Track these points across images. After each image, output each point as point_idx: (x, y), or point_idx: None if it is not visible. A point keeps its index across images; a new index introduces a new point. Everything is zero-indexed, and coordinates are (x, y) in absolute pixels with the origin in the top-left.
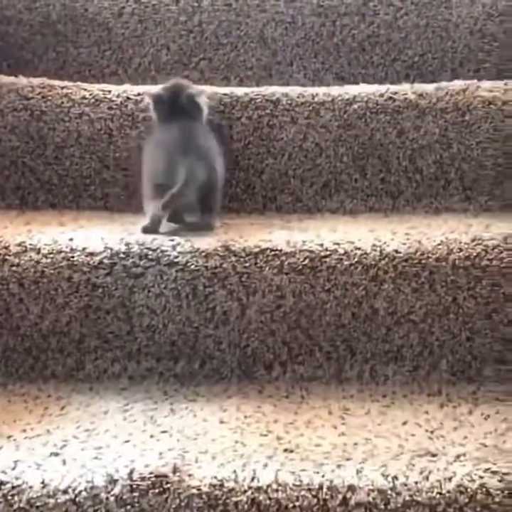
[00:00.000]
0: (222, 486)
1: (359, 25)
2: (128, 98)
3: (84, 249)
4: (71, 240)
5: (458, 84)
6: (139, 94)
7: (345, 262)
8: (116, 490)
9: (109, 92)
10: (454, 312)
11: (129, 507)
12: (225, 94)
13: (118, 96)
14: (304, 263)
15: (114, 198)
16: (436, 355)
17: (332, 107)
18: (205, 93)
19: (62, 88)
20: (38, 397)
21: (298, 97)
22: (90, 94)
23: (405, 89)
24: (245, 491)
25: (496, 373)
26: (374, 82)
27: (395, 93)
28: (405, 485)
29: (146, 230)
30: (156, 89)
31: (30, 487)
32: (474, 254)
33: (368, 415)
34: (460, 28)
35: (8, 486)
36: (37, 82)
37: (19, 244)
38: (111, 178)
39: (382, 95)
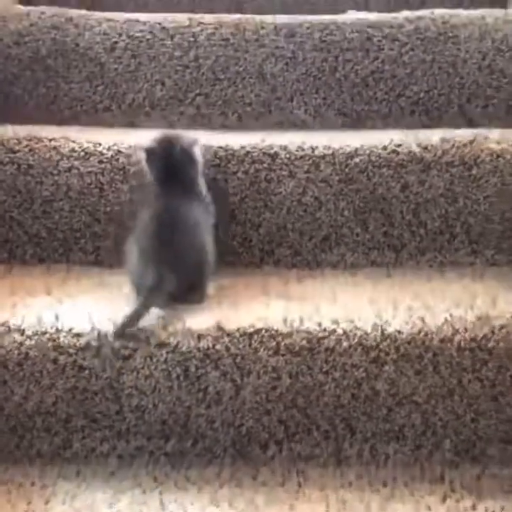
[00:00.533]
0: None
1: (363, 61)
2: (119, 151)
3: (70, 330)
4: (57, 318)
5: (465, 135)
6: (129, 147)
7: (345, 343)
8: None
9: (99, 144)
10: (459, 394)
11: None
12: (220, 148)
13: (108, 149)
14: (301, 344)
15: (106, 251)
16: (439, 435)
17: (332, 160)
18: (199, 142)
19: (50, 140)
20: (21, 486)
21: (297, 151)
22: (79, 147)
23: (409, 142)
24: None
25: (501, 453)
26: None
27: (399, 146)
28: None
29: (116, 335)
30: (148, 142)
31: None
32: (480, 335)
33: (367, 509)
34: (468, 64)
35: None
36: (23, 134)
37: (3, 324)
38: (102, 232)
39: (385, 148)
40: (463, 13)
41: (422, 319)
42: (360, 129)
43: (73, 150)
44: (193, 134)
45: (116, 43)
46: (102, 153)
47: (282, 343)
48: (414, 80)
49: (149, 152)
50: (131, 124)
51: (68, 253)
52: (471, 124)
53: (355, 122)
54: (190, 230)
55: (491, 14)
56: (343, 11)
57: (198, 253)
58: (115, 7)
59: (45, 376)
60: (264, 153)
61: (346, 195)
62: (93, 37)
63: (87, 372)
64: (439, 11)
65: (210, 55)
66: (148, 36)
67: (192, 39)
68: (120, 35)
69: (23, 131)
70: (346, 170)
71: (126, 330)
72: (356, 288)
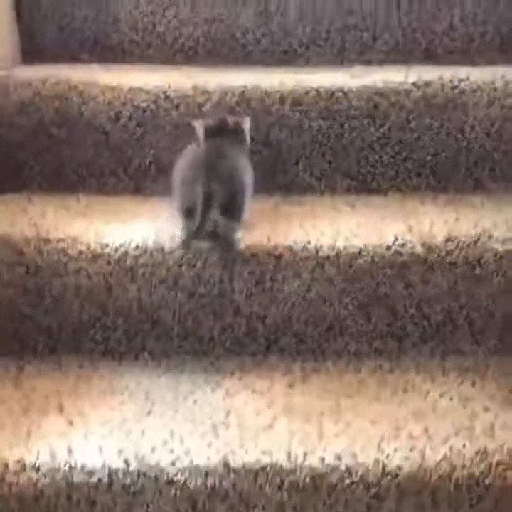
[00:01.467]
0: None
1: (369, 128)
2: (127, 253)
3: (82, 467)
4: (69, 452)
5: (469, 235)
6: (137, 248)
7: (347, 480)
8: None
9: (107, 245)
10: None
11: None
12: None
13: (116, 250)
14: (304, 481)
15: (115, 342)
16: None
17: (336, 261)
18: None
19: (58, 242)
20: None
21: (301, 251)
22: (87, 249)
23: (414, 243)
24: None
25: None
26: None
27: (402, 246)
28: None
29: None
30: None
31: None
32: (477, 473)
33: None
34: (476, 130)
35: None
36: (31, 234)
37: (18, 461)
38: (111, 324)
39: (389, 248)
40: (472, 75)
41: (422, 454)
42: (365, 192)
43: (81, 252)
44: None
45: (120, 112)
46: (109, 255)
47: (286, 480)
48: (421, 144)
49: (207, 129)
50: (138, 189)
51: (79, 343)
52: (478, 185)
53: (361, 185)
54: (235, 163)
55: (501, 77)
56: (351, 66)
57: (239, 182)
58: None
59: (59, 510)
60: (269, 255)
61: (350, 292)
62: (97, 106)
63: (99, 506)
64: (447, 75)
65: None
66: (153, 106)
67: (196, 110)
68: (124, 104)
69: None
70: (350, 271)
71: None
72: (359, 393)
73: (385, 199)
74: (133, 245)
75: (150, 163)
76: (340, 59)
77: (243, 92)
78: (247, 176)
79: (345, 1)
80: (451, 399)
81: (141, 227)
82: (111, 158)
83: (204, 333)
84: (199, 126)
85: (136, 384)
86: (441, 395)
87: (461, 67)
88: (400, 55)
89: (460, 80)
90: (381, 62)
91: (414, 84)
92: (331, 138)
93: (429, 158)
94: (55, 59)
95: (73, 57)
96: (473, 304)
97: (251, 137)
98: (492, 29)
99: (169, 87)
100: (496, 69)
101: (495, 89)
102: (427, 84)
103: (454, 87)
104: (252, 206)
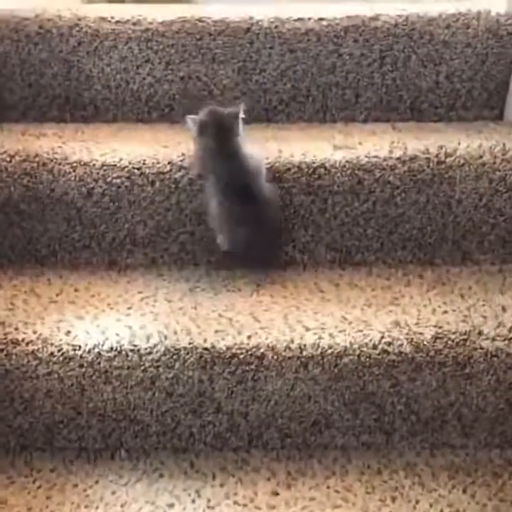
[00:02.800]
0: None
1: (353, 203)
2: (100, 354)
3: None
4: None
5: (458, 331)
6: (111, 349)
7: None
8: None
9: (79, 347)
10: None
11: None
12: (205, 349)
13: (89, 352)
14: None
15: (90, 440)
16: None
17: (321, 361)
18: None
19: (27, 344)
20: None
21: (285, 351)
22: (58, 351)
23: (401, 341)
24: None
25: None
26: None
27: (389, 344)
28: None
29: None
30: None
31: None
32: None
33: None
34: (463, 204)
35: None
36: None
37: None
38: (85, 423)
39: (375, 347)
40: (460, 148)
41: None
42: (350, 265)
43: (52, 354)
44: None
45: (92, 188)
46: (82, 357)
47: None
48: (406, 218)
49: (202, 124)
50: (114, 263)
51: (51, 442)
52: (466, 257)
53: (346, 257)
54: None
55: (489, 150)
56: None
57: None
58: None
59: None
60: (251, 355)
61: (336, 390)
62: (68, 183)
63: None
64: (433, 148)
65: (193, 199)
66: (127, 183)
67: (173, 186)
68: (96, 181)
69: None
70: (335, 370)
71: None
72: (347, 503)
73: (369, 277)
74: (106, 346)
75: (125, 236)
76: (322, 115)
77: None
78: (254, 160)
79: (327, 59)
80: (441, 511)
81: (116, 321)
82: (84, 232)
83: (183, 430)
84: (193, 122)
85: (111, 494)
86: (431, 505)
87: (448, 134)
88: (383, 111)
89: (447, 155)
90: (364, 120)
91: (399, 159)
92: (313, 212)
93: (415, 231)
94: (24, 117)
95: (43, 116)
96: (463, 400)
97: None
98: (479, 85)
99: (144, 163)
100: (483, 142)
101: (483, 164)
102: (413, 159)
103: (440, 162)
104: (231, 295)
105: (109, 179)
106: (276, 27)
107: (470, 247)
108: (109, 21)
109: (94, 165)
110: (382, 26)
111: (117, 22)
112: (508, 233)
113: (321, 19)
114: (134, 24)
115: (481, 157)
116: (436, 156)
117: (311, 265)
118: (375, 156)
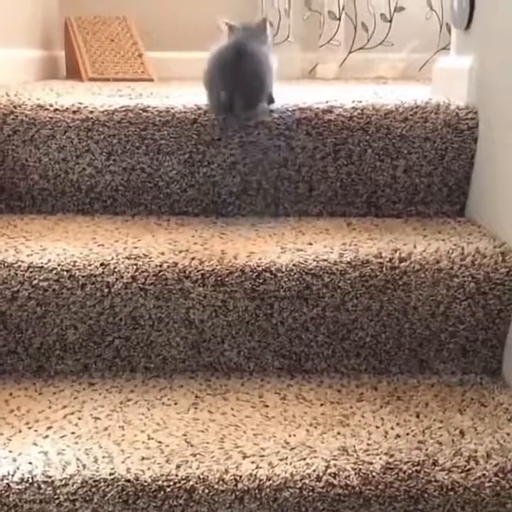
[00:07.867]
0: None
1: (301, 308)
2: (9, 486)
3: None
4: None
5: (411, 461)
6: (22, 480)
7: None
8: None
9: None
10: None
11: None
12: (128, 481)
13: None
14: None
15: None
16: None
17: (259, 494)
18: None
19: None
20: None
21: (218, 483)
22: None
23: (348, 472)
24: None
25: None
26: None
27: (335, 476)
28: None
29: None
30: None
31: None
32: None
33: None
34: (420, 311)
35: None
36: None
37: None
38: None
39: (319, 479)
40: (415, 252)
41: None
42: (300, 372)
43: None
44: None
45: (17, 291)
46: None
47: None
48: (359, 325)
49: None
50: (42, 369)
51: None
52: (424, 366)
53: (295, 364)
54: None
55: (447, 254)
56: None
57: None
58: None
59: None
60: (179, 488)
61: None
62: None
63: None
64: (386, 253)
65: (127, 303)
66: (55, 286)
67: (106, 289)
68: (22, 283)
69: None
70: (274, 505)
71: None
72: None
73: (319, 388)
74: (17, 477)
75: (54, 342)
76: (274, 209)
77: (160, 271)
78: (270, 61)
79: (278, 154)
80: None
81: (32, 445)
82: (9, 337)
83: None
84: (224, 25)
85: None
86: None
87: (404, 234)
88: (339, 205)
89: (401, 260)
90: (319, 213)
91: (349, 263)
92: (259, 318)
93: (368, 339)
94: None
95: None
96: None
97: None
98: (439, 180)
99: (74, 264)
100: (441, 245)
101: (440, 270)
102: (364, 263)
103: (393, 268)
104: (165, 411)
105: (35, 282)
106: None
107: (428, 356)
108: (47, 109)
109: (19, 266)
110: (336, 119)
111: (56, 110)
112: (468, 342)
113: (271, 111)
114: (74, 112)
115: (437, 262)
116: (390, 260)
117: (258, 372)
118: (325, 260)
